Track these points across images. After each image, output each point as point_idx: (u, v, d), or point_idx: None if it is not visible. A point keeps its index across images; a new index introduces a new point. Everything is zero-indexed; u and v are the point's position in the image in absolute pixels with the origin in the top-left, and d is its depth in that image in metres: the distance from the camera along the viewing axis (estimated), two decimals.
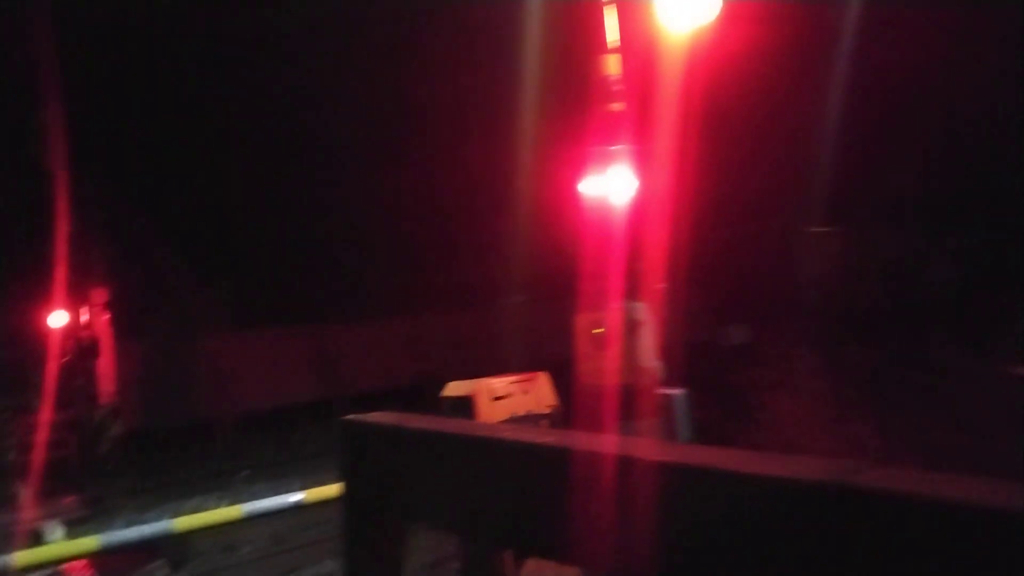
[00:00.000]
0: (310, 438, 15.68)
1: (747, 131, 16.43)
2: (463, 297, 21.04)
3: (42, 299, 14.86)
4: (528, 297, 20.76)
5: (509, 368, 5.62)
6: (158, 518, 8.52)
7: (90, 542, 3.60)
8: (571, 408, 4.73)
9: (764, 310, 16.95)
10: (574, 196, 5.31)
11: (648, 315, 4.49)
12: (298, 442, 15.33)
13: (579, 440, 2.33)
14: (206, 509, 8.76)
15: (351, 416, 2.88)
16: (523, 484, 2.39)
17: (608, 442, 2.34)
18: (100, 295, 12.99)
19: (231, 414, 16.44)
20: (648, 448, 2.39)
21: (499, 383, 4.62)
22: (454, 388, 4.50)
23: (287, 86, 17.71)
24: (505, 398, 4.61)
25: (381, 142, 18.93)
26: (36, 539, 8.13)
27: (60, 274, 13.89)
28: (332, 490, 6.90)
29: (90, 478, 10.78)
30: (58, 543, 4.10)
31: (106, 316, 12.92)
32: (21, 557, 3.39)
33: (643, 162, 4.72)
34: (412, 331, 19.75)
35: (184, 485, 10.77)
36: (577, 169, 5.13)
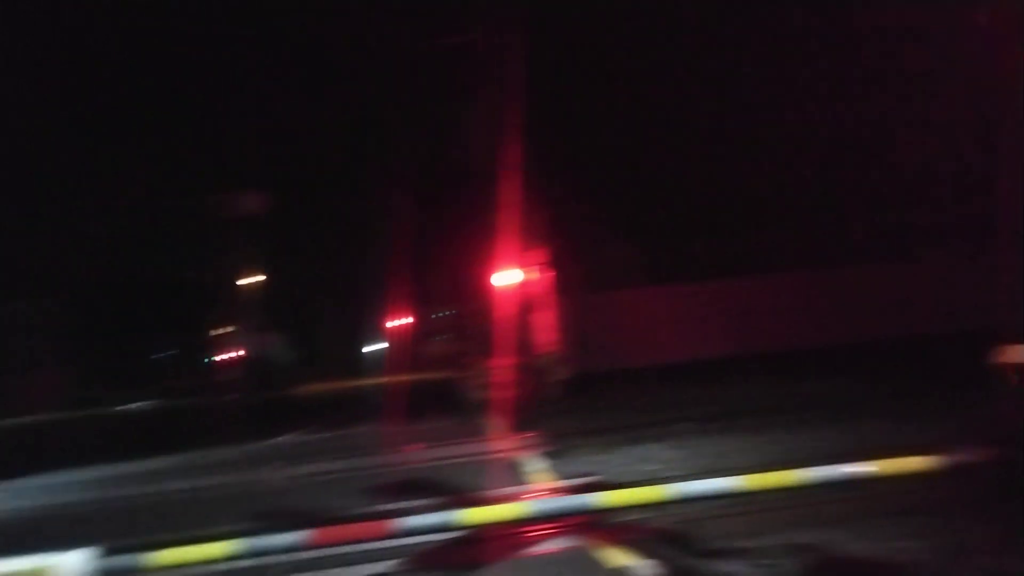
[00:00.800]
0: (723, 395, 15.31)
1: None
2: (893, 249, 18.60)
3: (495, 259, 17.12)
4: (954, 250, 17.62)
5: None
6: (617, 461, 8.93)
7: (656, 492, 3.49)
8: None
9: None
10: None
11: None
12: (711, 398, 15.06)
13: None
14: (656, 458, 8.91)
15: None
16: None
17: None
18: (542, 254, 14.34)
19: (654, 365, 17.02)
20: None
21: None
22: (1018, 353, 3.48)
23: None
24: None
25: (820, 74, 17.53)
26: (513, 469, 9.19)
27: (509, 237, 15.79)
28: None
29: (544, 418, 11.92)
30: (633, 491, 4.26)
31: (548, 273, 14.24)
32: (611, 498, 3.47)
33: None
34: (831, 286, 18.07)
35: (623, 431, 11.17)
36: None
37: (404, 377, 22.38)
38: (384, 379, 23.34)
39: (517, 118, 14.66)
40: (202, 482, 11.25)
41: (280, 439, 16.83)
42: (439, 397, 18.62)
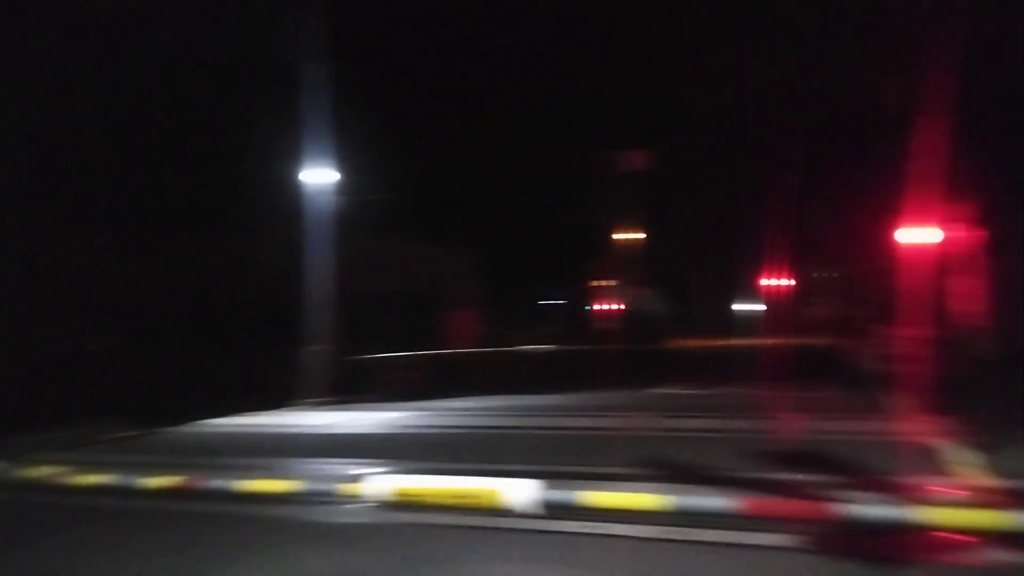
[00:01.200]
0: None
1: None
2: None
3: (902, 215, 14.98)
4: None
5: None
6: None
7: None
8: None
9: None
10: None
11: None
12: None
13: None
14: None
15: None
16: None
17: None
18: (968, 209, 12.06)
19: None
20: None
21: None
22: None
23: None
24: None
25: None
26: (931, 458, 7.96)
27: (923, 190, 13.58)
28: None
29: (966, 401, 10.13)
30: None
31: (975, 231, 11.95)
32: None
33: None
34: None
35: None
36: None
37: (781, 340, 21.19)
38: (759, 340, 22.42)
39: (945, 49, 12.36)
40: (589, 423, 12.07)
41: (654, 391, 17.30)
42: (822, 364, 17.26)
